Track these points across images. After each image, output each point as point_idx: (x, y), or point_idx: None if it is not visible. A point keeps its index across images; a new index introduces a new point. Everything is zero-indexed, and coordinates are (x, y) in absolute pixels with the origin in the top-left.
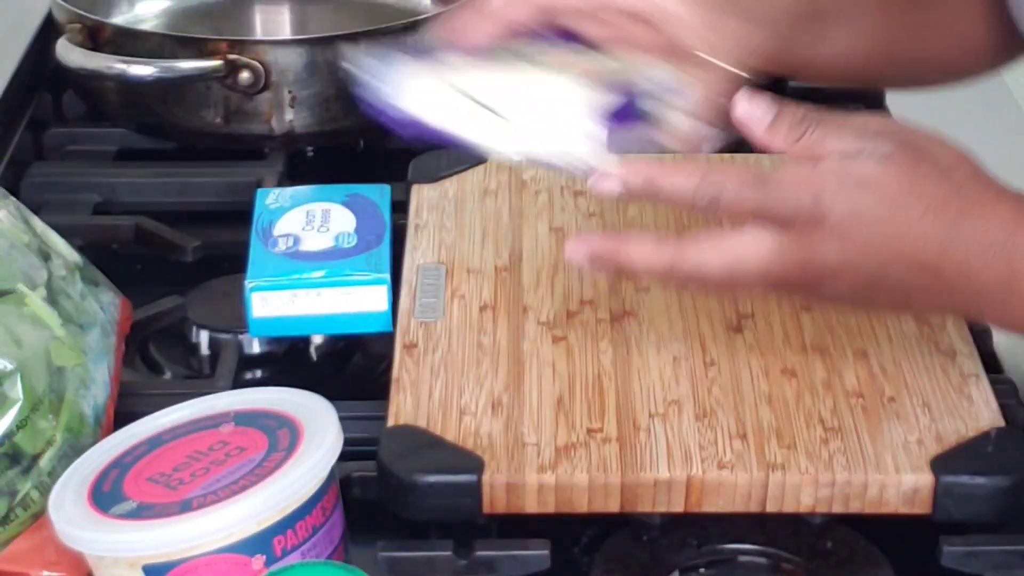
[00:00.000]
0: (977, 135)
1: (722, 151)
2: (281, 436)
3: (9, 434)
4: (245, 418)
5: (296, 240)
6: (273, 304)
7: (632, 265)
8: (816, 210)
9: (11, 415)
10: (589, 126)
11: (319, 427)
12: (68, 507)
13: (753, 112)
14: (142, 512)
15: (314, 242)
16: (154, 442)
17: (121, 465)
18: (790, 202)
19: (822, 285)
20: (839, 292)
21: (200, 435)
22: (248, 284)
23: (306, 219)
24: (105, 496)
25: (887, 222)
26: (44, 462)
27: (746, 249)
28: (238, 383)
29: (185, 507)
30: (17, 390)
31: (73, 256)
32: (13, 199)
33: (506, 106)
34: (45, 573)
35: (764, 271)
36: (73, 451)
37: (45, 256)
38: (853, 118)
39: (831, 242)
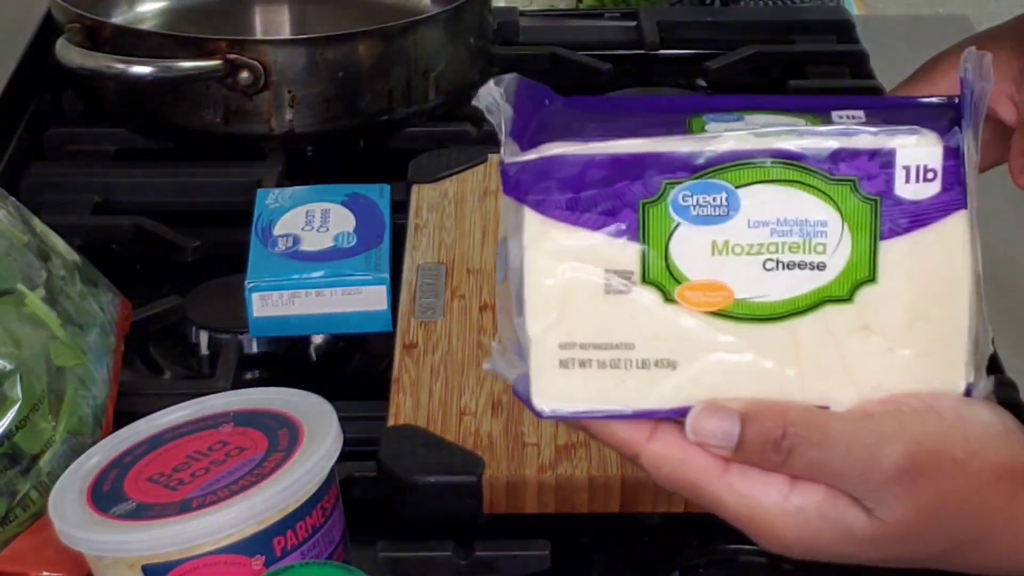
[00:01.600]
0: None
1: None
2: (281, 436)
3: (8, 434)
4: (245, 418)
5: (296, 240)
6: (273, 304)
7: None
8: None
9: (10, 415)
10: None
11: (319, 427)
12: (68, 507)
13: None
14: (142, 512)
15: (314, 242)
16: (154, 442)
17: (121, 465)
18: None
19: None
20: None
21: (200, 435)
22: (248, 284)
23: (306, 219)
24: (105, 496)
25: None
26: (43, 462)
27: (834, 511)
28: (238, 383)
29: (185, 507)
30: (16, 390)
31: (72, 256)
32: (12, 199)
33: None
34: (45, 574)
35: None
36: (73, 451)
37: (44, 256)
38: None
39: (929, 537)
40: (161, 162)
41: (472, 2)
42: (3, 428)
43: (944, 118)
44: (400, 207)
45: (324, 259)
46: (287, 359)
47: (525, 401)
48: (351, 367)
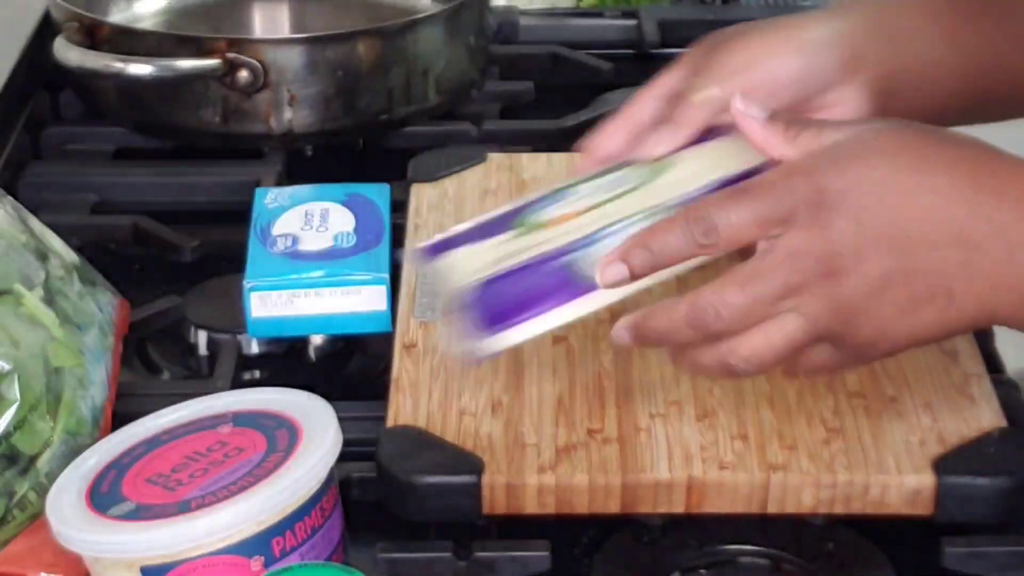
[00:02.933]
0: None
1: None
2: (280, 437)
3: (6, 435)
4: (243, 419)
5: (295, 240)
6: (272, 304)
7: (658, 334)
8: (814, 192)
9: (8, 416)
10: None
11: (318, 428)
12: (66, 508)
13: (748, 109)
14: (140, 513)
15: (313, 242)
16: (152, 443)
17: (119, 466)
18: (784, 196)
19: (849, 278)
20: (870, 287)
21: (198, 436)
22: (247, 284)
23: (305, 219)
24: (103, 497)
25: (895, 182)
26: (42, 463)
27: (760, 264)
28: (236, 383)
29: (184, 508)
30: (14, 391)
31: (71, 256)
32: (10, 199)
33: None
34: (43, 574)
35: (784, 282)
36: (71, 452)
37: (42, 256)
38: (845, 121)
39: (841, 218)
40: (160, 162)
41: (472, 1)
42: (1, 429)
43: None
44: (400, 207)
45: (323, 259)
46: (286, 359)
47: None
48: (350, 367)
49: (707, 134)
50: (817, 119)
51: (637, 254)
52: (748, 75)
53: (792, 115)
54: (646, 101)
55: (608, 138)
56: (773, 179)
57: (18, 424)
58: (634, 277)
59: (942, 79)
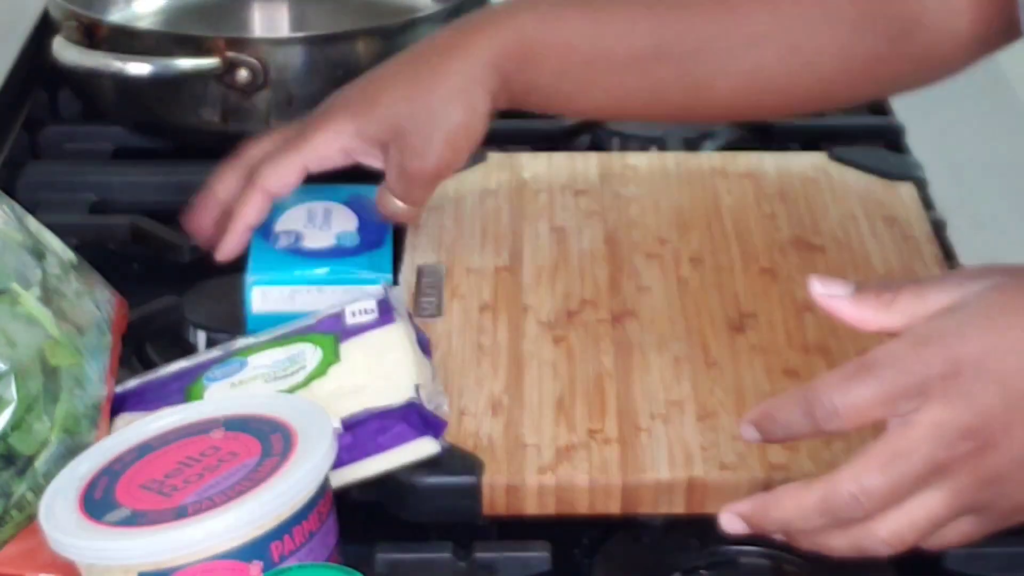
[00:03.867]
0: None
1: (724, 148)
2: (274, 441)
3: (3, 435)
4: (236, 423)
5: (298, 237)
6: (273, 300)
7: (782, 523)
8: (948, 362)
9: (5, 416)
10: None
11: (313, 431)
12: (59, 516)
13: (831, 290)
14: (136, 519)
15: (316, 240)
16: (143, 449)
17: (111, 472)
18: (914, 369)
19: (998, 451)
20: (1020, 455)
21: (190, 441)
22: (249, 279)
23: (308, 217)
24: (97, 504)
25: None
26: (39, 463)
27: (900, 441)
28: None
29: (180, 513)
30: (11, 391)
31: (68, 255)
32: (7, 198)
33: None
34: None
35: (929, 459)
36: (69, 452)
37: (39, 255)
38: (939, 276)
39: (984, 387)
40: (158, 161)
41: (471, 1)
42: None
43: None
44: None
45: (326, 257)
46: None
47: None
48: None
49: None
50: (911, 281)
51: (767, 426)
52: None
53: (881, 284)
54: (227, 177)
55: (201, 219)
56: (896, 352)
57: (15, 424)
58: (768, 441)
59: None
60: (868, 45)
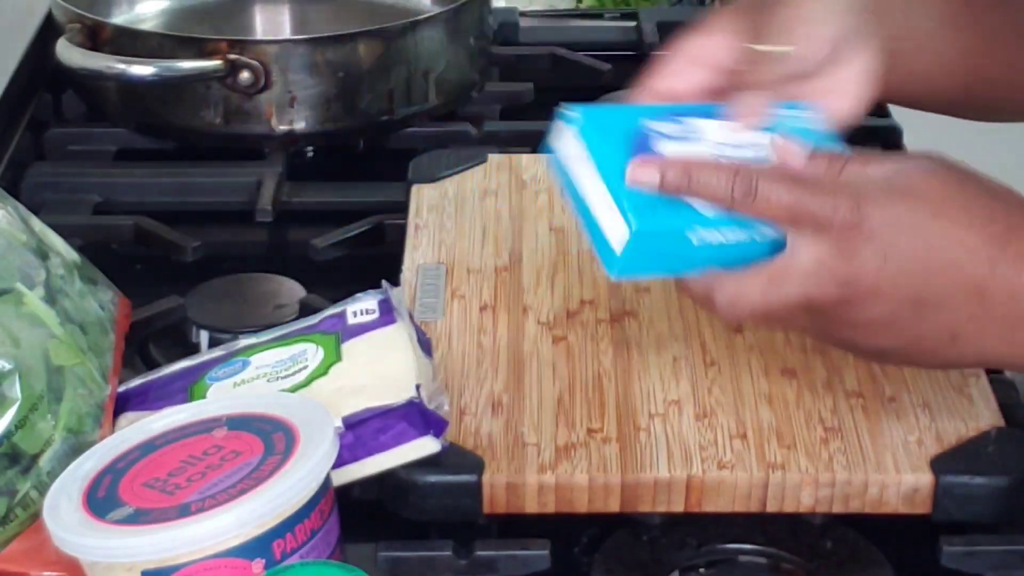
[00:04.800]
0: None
1: None
2: (276, 440)
3: (8, 434)
4: (238, 422)
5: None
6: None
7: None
8: (855, 214)
9: (10, 415)
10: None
11: (315, 430)
12: (63, 513)
13: (789, 145)
14: (140, 517)
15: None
16: (146, 448)
17: (114, 471)
18: (828, 203)
19: (862, 307)
20: (879, 319)
21: (193, 440)
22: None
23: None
24: (100, 502)
25: (929, 230)
26: (43, 462)
27: (783, 268)
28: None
29: (184, 511)
30: (15, 390)
31: (71, 255)
32: (11, 199)
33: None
34: (45, 573)
35: (803, 290)
36: (73, 451)
37: (43, 255)
38: (898, 154)
39: (869, 249)
40: (162, 162)
41: (472, 2)
42: (2, 428)
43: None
44: (400, 207)
45: None
46: None
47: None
48: None
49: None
50: (861, 152)
51: (675, 172)
52: (792, 37)
53: (830, 153)
54: (704, 45)
55: (675, 76)
56: (826, 181)
57: (20, 423)
58: (661, 187)
59: (942, 51)
60: None
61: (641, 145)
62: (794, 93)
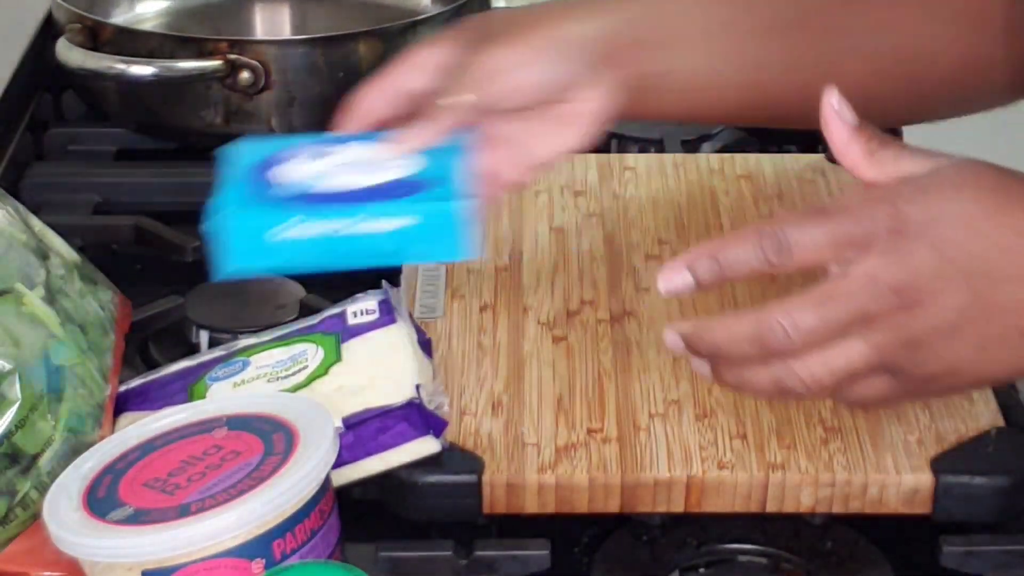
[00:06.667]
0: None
1: (722, 150)
2: (276, 440)
3: (8, 434)
4: (238, 422)
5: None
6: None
7: (714, 347)
8: (895, 219)
9: (10, 415)
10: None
11: (315, 430)
12: (63, 513)
13: (841, 111)
14: (140, 517)
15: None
16: (146, 448)
17: (114, 471)
18: (864, 220)
19: (924, 313)
20: (944, 324)
21: (193, 440)
22: None
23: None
24: (100, 502)
25: (980, 219)
26: (43, 462)
27: (835, 287)
28: None
29: (184, 511)
30: (16, 390)
31: (71, 255)
32: (11, 199)
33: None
34: (45, 573)
35: (859, 308)
36: (73, 451)
37: (43, 255)
38: (924, 148)
39: (921, 248)
40: (162, 162)
41: (472, 3)
42: (3, 428)
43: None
44: None
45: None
46: None
47: None
48: None
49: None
50: (897, 142)
51: (704, 264)
52: (499, 81)
53: (878, 134)
54: (411, 72)
55: (371, 101)
56: (853, 202)
57: (20, 423)
58: (698, 286)
59: (709, 88)
60: (986, 46)
61: (270, 163)
62: (505, 127)
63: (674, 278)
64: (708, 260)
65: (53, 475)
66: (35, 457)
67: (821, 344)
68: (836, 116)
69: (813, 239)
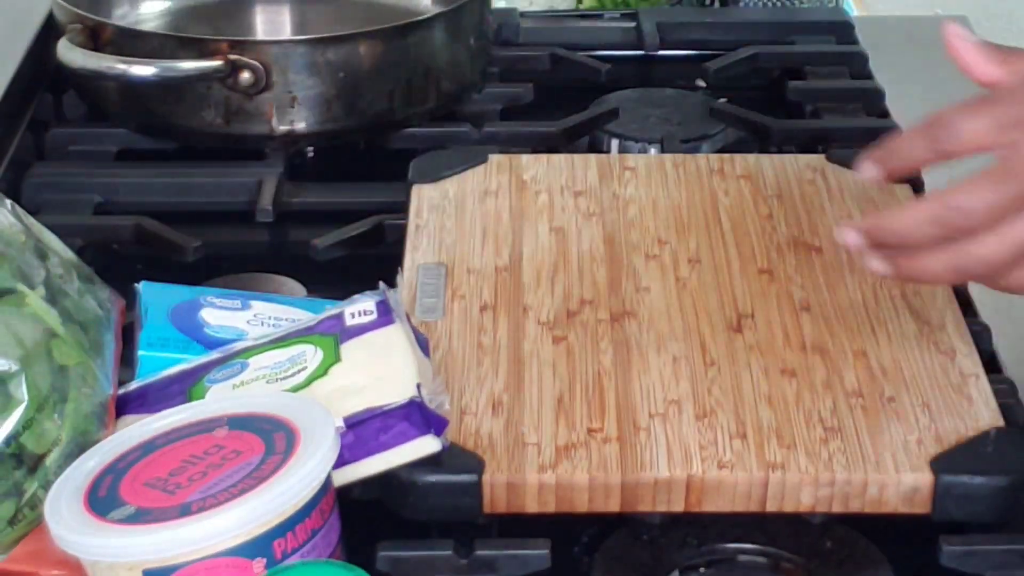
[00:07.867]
0: None
1: (722, 150)
2: (277, 439)
3: (15, 435)
4: (239, 422)
5: None
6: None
7: (896, 234)
8: None
9: (16, 415)
10: None
11: (315, 430)
12: (64, 513)
13: (962, 32)
14: (141, 516)
15: None
16: (147, 447)
17: (115, 471)
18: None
19: None
20: None
21: (194, 440)
22: None
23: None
24: (101, 502)
25: None
26: (50, 461)
27: (1009, 164)
28: None
29: (185, 511)
30: (22, 391)
31: (68, 254)
32: (8, 199)
33: None
34: (54, 572)
35: None
36: (79, 450)
37: (42, 255)
38: None
39: None
40: (162, 162)
41: (472, 3)
42: (10, 429)
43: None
44: (400, 207)
45: None
46: None
47: None
48: None
49: None
50: (1018, 51)
51: (889, 159)
52: None
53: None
54: None
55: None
56: (1011, 90)
57: (27, 424)
58: (887, 176)
59: None
60: None
61: (191, 307)
62: None
63: (866, 167)
64: (885, 152)
65: (60, 475)
66: (42, 457)
67: (998, 222)
68: (956, 38)
69: (982, 124)
